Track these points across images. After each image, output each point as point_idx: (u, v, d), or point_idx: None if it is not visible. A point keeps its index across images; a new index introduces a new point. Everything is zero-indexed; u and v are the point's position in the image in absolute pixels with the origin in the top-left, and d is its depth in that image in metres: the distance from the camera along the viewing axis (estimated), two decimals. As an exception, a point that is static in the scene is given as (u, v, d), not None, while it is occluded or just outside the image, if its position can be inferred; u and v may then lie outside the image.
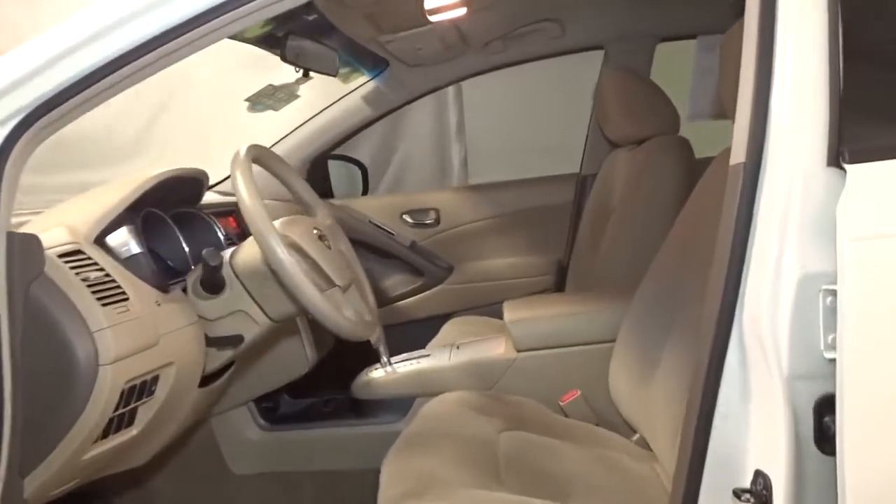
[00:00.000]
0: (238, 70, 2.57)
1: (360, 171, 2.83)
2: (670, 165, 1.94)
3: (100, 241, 1.24)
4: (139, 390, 1.18)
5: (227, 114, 2.68)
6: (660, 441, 1.42)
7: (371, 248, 2.60)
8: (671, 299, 1.46)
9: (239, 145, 2.56)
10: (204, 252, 1.26)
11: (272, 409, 1.87)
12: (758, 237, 0.91)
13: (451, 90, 4.05)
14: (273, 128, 2.56)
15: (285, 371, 1.79)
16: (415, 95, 2.49)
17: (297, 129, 2.51)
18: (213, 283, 1.32)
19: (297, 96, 2.30)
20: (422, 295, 2.61)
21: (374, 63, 2.36)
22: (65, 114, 1.05)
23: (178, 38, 1.04)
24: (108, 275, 1.16)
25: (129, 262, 1.24)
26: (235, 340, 1.36)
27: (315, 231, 1.41)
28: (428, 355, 1.84)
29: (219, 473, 1.78)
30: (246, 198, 1.24)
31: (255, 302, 1.34)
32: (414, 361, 1.81)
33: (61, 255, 1.12)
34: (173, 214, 1.50)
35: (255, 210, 1.23)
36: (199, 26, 1.05)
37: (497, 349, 1.79)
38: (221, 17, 1.05)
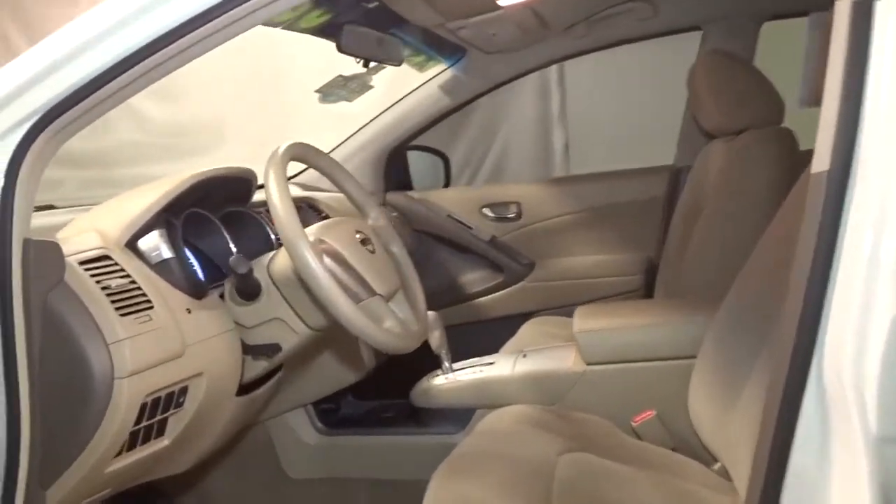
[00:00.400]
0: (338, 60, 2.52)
1: (441, 162, 2.73)
2: (768, 160, 1.72)
3: (132, 245, 1.20)
4: (165, 402, 1.14)
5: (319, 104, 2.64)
6: (741, 473, 1.25)
7: (449, 242, 2.51)
8: (761, 312, 1.28)
9: (327, 135, 2.54)
10: (231, 260, 1.20)
11: (331, 411, 1.81)
12: (843, 263, 0.74)
13: (553, 73, 3.89)
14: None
15: (342, 375, 1.72)
16: (495, 83, 2.36)
17: (373, 120, 2.45)
18: (247, 291, 1.26)
19: (371, 87, 2.23)
20: (501, 293, 2.49)
21: (452, 51, 2.25)
22: (82, 114, 1.00)
23: (194, 31, 0.97)
24: (133, 282, 1.12)
25: (160, 268, 1.19)
26: (272, 350, 1.29)
27: (358, 235, 1.32)
28: (492, 363, 1.73)
29: (275, 477, 1.74)
30: (276, 200, 1.16)
31: (293, 310, 1.27)
32: (476, 370, 1.70)
33: (85, 262, 1.08)
34: (222, 214, 1.45)
35: (285, 214, 1.15)
36: (216, 18, 0.97)
37: (565, 360, 1.65)
38: (241, 7, 0.97)
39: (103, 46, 0.96)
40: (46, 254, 1.02)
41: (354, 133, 2.47)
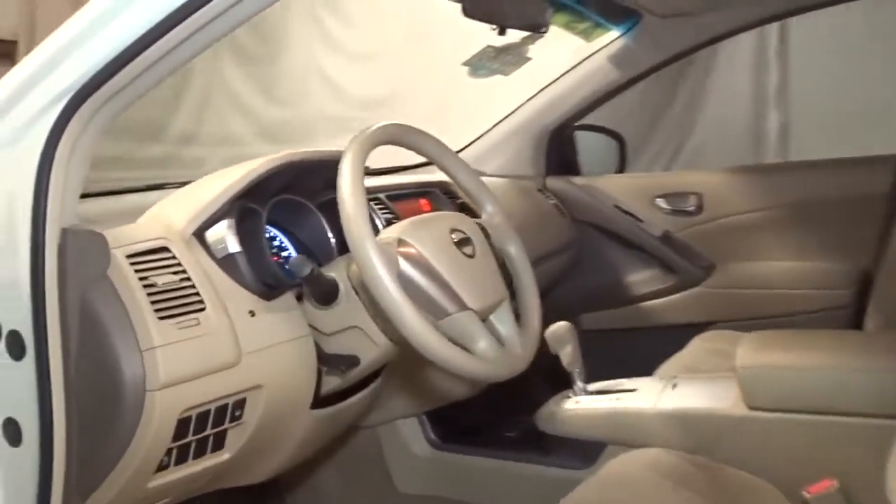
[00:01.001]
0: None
1: (616, 144, 2.42)
2: None
3: (200, 235, 1.08)
4: (217, 416, 1.01)
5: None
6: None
7: (614, 235, 2.21)
8: None
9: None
10: (291, 261, 1.03)
11: (448, 422, 1.62)
12: None
13: (773, 41, 3.38)
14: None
15: (456, 387, 1.53)
16: (674, 54, 2.01)
17: (533, 96, 2.21)
18: (321, 293, 1.09)
19: (529, 59, 1.99)
20: (671, 297, 2.16)
21: (623, 16, 1.94)
22: (121, 88, 0.89)
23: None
24: (187, 279, 0.99)
25: (225, 263, 1.06)
26: (349, 362, 1.13)
27: (454, 234, 1.10)
28: (634, 390, 1.44)
29: (383, 487, 1.60)
30: (346, 191, 0.98)
31: (373, 318, 1.09)
32: (613, 396, 1.43)
33: (136, 255, 0.97)
34: (322, 202, 1.31)
35: (352, 207, 0.97)
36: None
37: (725, 398, 1.32)
38: None
39: (133, 12, 0.83)
40: (88, 245, 0.92)
41: (513, 111, 2.24)
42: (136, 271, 0.95)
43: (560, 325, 1.46)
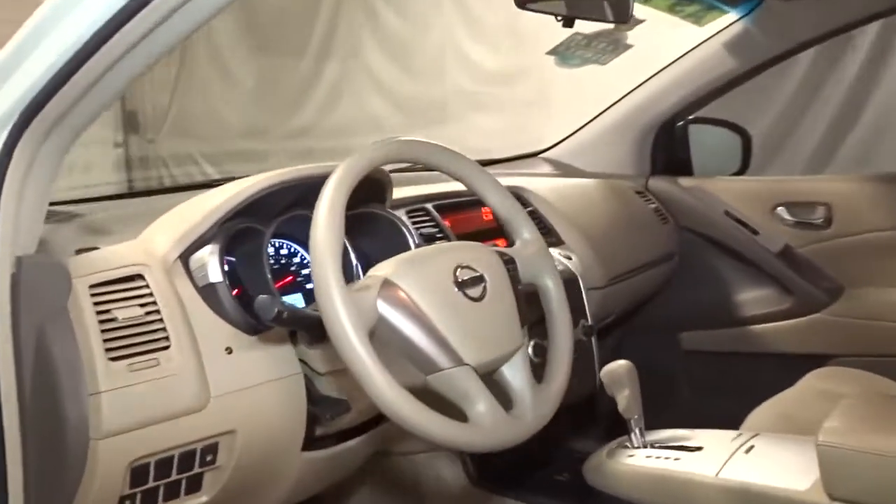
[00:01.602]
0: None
1: (740, 140, 2.12)
2: None
3: (186, 259, 0.99)
4: (182, 462, 0.93)
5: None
6: None
7: (723, 247, 1.95)
8: None
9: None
10: (256, 302, 0.92)
11: (491, 458, 1.47)
12: None
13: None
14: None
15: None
16: (799, 42, 1.72)
17: (638, 86, 1.97)
18: (306, 332, 0.98)
19: (628, 45, 1.76)
20: (787, 322, 1.89)
21: (741, -3, 1.67)
22: (69, 107, 0.81)
23: None
24: (156, 311, 0.91)
25: (205, 292, 0.97)
26: (337, 407, 1.01)
27: (460, 272, 0.94)
28: (700, 448, 1.23)
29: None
30: (319, 223, 0.86)
31: None
32: (673, 454, 1.22)
33: (102, 284, 0.90)
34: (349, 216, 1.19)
35: (322, 244, 0.84)
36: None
37: (804, 475, 1.08)
38: None
39: (59, 31, 0.75)
40: (46, 275, 0.86)
41: (615, 102, 2.02)
42: (97, 304, 0.88)
43: (619, 365, 1.27)
